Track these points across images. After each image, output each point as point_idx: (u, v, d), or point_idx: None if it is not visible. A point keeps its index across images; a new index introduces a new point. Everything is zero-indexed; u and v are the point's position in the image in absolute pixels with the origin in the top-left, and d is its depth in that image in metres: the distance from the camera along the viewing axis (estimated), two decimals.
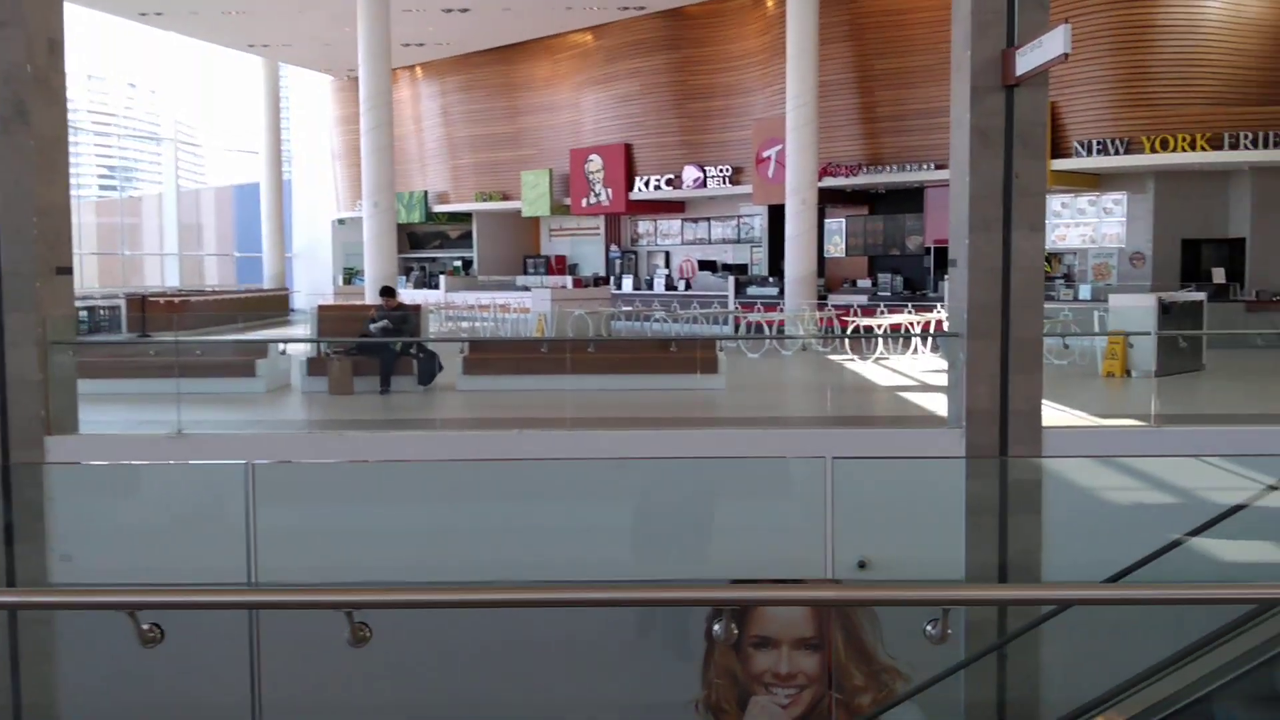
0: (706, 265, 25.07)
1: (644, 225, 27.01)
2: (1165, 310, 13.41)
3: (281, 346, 13.41)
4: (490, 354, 12.68)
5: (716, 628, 2.85)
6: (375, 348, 12.24)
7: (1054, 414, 8.59)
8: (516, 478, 7.93)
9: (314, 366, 12.21)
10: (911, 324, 15.87)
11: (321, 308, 15.63)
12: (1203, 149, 17.58)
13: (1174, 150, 17.70)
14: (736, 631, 2.88)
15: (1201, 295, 14.53)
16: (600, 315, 18.90)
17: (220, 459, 8.50)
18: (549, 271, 27.71)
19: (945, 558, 8.16)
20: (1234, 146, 17.45)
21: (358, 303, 18.84)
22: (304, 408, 11.46)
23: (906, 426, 8.91)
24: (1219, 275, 18.53)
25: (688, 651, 8.17)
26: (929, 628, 2.77)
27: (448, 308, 24.18)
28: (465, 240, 30.34)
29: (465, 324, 22.87)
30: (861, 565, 8.14)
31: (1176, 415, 8.75)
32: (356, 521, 7.17)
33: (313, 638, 4.99)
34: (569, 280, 25.29)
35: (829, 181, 21.12)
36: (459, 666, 6.77)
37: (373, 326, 12.61)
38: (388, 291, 13.57)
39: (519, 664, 7.33)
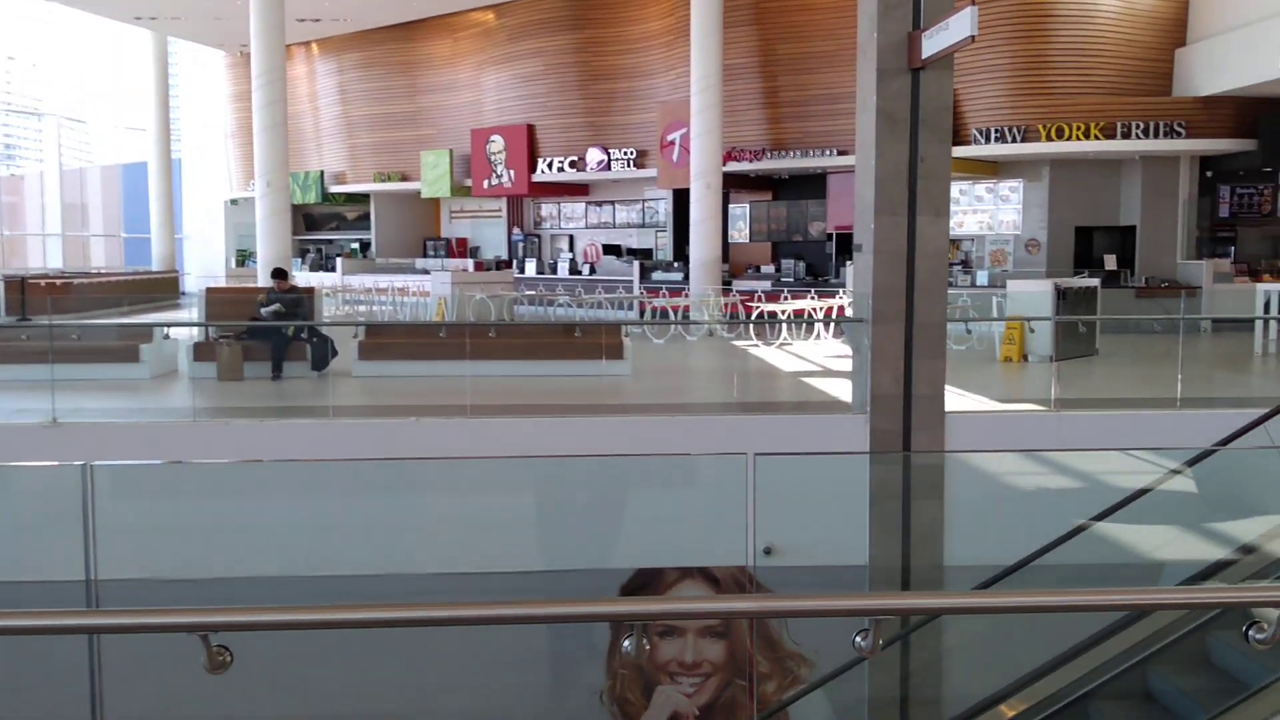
0: (611, 249, 24.88)
1: (547, 208, 26.71)
2: (1062, 296, 13.63)
3: (166, 331, 12.85)
4: (387, 338, 12.33)
5: (627, 644, 2.60)
6: (266, 332, 11.80)
7: (956, 399, 8.60)
8: (413, 468, 7.66)
9: (201, 351, 11.72)
10: (815, 310, 15.90)
11: (210, 290, 15.05)
12: (1096, 138, 17.93)
13: (1069, 139, 18.03)
14: (649, 648, 2.55)
15: (1095, 281, 14.82)
16: (502, 299, 18.60)
17: (97, 448, 8.06)
18: (449, 254, 27.24)
19: (850, 542, 8.12)
20: (1126, 136, 17.84)
21: (250, 285, 18.22)
22: (191, 395, 10.98)
23: (812, 412, 8.85)
24: (1110, 262, 18.96)
25: (591, 642, 8.00)
26: (859, 639, 2.59)
27: (345, 291, 23.60)
28: (363, 222, 29.66)
29: (363, 307, 22.34)
30: (768, 552, 8.06)
31: (1075, 399, 8.83)
32: (228, 519, 6.82)
33: (166, 660, 4.64)
34: (470, 263, 24.88)
35: (733, 166, 21.08)
36: (342, 673, 6.48)
37: (264, 310, 12.16)
38: (280, 273, 13.10)
39: (409, 661, 7.09)
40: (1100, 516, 6.53)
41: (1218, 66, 17.42)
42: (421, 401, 9.68)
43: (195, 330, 12.46)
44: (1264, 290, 15.18)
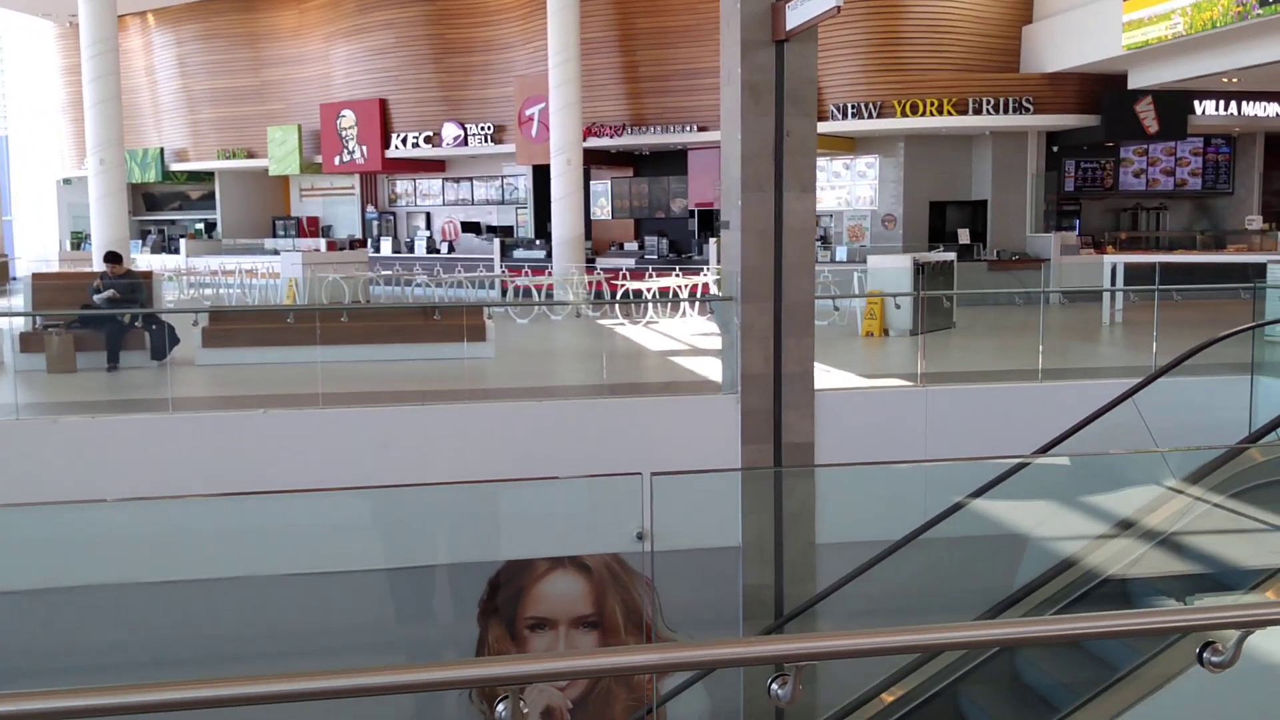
0: (470, 227, 24.34)
1: (402, 185, 25.96)
2: (920, 271, 13.78)
3: None
4: (233, 324, 11.67)
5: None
6: (100, 320, 11.03)
7: (823, 375, 8.53)
8: (265, 465, 7.20)
9: (29, 342, 10.89)
10: (680, 287, 15.77)
11: (37, 276, 14.06)
12: (949, 114, 18.23)
13: (923, 115, 18.29)
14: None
15: (951, 255, 15.06)
16: (357, 280, 17.95)
17: None
18: (300, 234, 26.24)
19: (722, 518, 7.98)
20: (977, 112, 18.18)
21: (85, 269, 17.14)
22: (17, 389, 10.18)
23: (682, 393, 8.68)
24: (964, 236, 19.37)
25: (459, 639, 7.69)
26: (775, 687, 2.27)
27: (189, 274, 22.49)
28: (208, 201, 28.37)
29: (209, 291, 21.33)
30: (639, 537, 7.86)
31: (938, 374, 8.86)
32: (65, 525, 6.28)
33: None
34: (322, 243, 24.00)
35: (593, 142, 20.78)
36: None
37: (97, 297, 11.36)
38: (113, 257, 12.28)
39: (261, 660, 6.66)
40: (978, 493, 6.51)
41: (1062, 44, 17.90)
42: (272, 391, 9.16)
43: (21, 320, 11.57)
44: (1110, 262, 15.67)
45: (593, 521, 7.78)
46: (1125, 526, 5.73)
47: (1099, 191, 20.82)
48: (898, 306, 12.76)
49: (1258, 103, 18.87)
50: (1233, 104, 18.72)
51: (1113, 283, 15.31)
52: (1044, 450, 6.40)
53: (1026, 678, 5.70)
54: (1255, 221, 19.77)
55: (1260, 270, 14.75)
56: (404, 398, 8.27)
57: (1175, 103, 18.40)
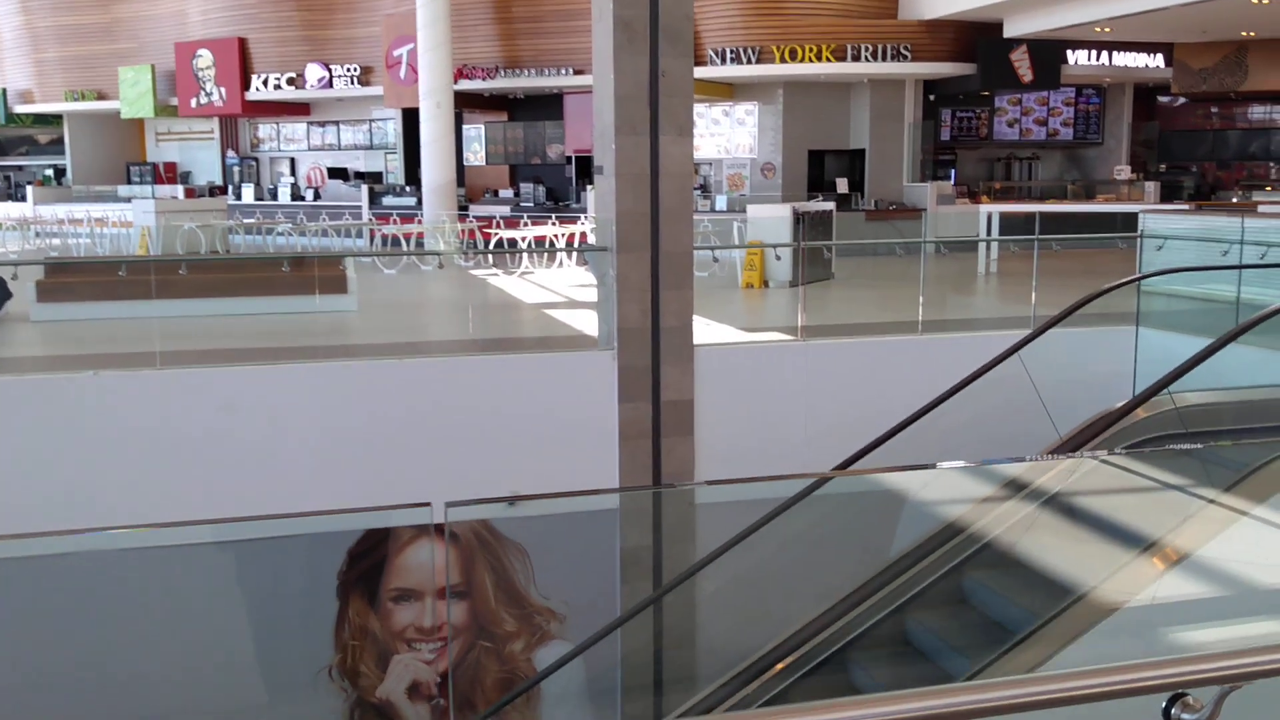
0: (337, 173, 23.37)
1: (265, 129, 24.75)
2: (799, 221, 13.56)
3: None
4: (73, 276, 10.78)
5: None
6: None
7: (702, 329, 8.20)
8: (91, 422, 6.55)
9: None
10: (557, 236, 15.28)
11: None
12: (828, 60, 18.01)
13: (802, 61, 18.03)
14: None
15: (830, 205, 14.89)
16: (215, 229, 16.99)
17: None
18: (157, 180, 24.83)
19: (600, 483, 7.63)
20: (855, 58, 18.01)
21: None
22: None
23: (557, 349, 8.26)
24: (842, 186, 19.27)
25: (315, 613, 7.18)
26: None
27: (37, 222, 21.07)
28: (58, 146, 26.65)
29: (56, 241, 20.00)
30: (511, 503, 7.46)
31: (819, 326, 8.62)
32: None
33: None
34: (180, 190, 22.75)
35: (465, 85, 20.02)
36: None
37: None
38: None
39: (103, 651, 6.09)
40: (856, 458, 6.27)
41: None
42: (111, 350, 8.43)
43: None
44: (985, 211, 15.70)
45: (461, 486, 7.33)
46: (1013, 487, 5.55)
47: (974, 141, 20.94)
48: (778, 258, 12.51)
49: (1128, 53, 19.12)
50: (1104, 54, 18.92)
51: (988, 232, 15.36)
52: (931, 406, 6.17)
53: (916, 640, 5.50)
54: (1124, 172, 20.13)
55: (1130, 220, 14.92)
56: (253, 356, 7.67)
57: (1049, 52, 18.52)
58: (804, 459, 7.86)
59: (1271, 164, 21.26)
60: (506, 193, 21.31)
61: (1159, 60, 19.44)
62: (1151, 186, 19.30)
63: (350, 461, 7.13)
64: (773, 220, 13.71)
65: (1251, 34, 18.30)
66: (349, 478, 7.16)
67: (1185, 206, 16.45)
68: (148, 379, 6.86)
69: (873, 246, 16.03)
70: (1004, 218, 15.62)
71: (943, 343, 8.30)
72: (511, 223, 17.16)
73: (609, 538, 7.72)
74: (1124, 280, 6.81)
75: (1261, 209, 12.92)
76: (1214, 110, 21.43)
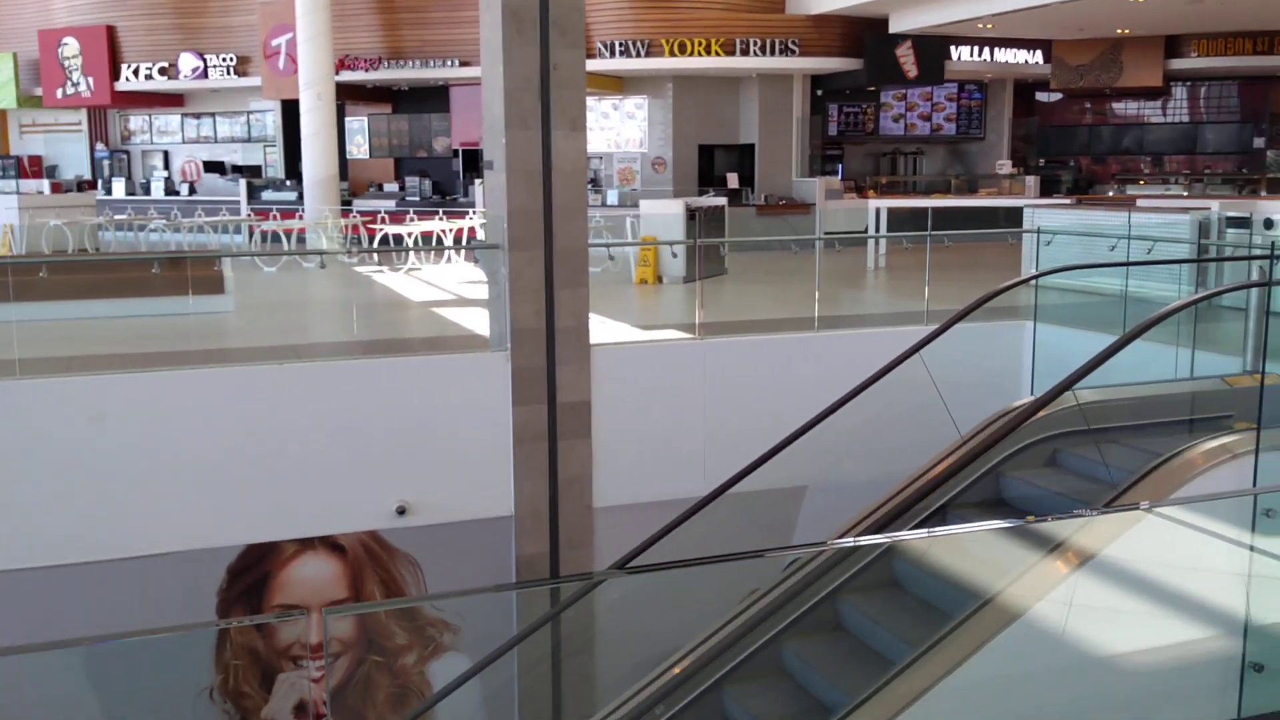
0: (213, 167, 22.50)
1: (136, 121, 23.73)
2: (692, 216, 13.45)
3: None
4: None
5: None
6: None
7: (597, 327, 8.00)
8: None
9: None
10: (444, 231, 14.91)
11: None
12: (717, 54, 17.96)
13: (691, 55, 17.95)
14: None
15: (723, 200, 14.82)
16: (83, 226, 16.18)
17: None
18: (21, 175, 23.54)
19: (493, 492, 7.39)
20: (745, 53, 18.00)
21: None
22: None
23: (448, 350, 7.96)
24: (733, 180, 19.25)
25: (194, 634, 6.79)
26: None
27: None
28: None
29: None
30: (401, 512, 7.18)
31: (715, 323, 8.49)
32: None
33: None
34: (46, 185, 21.63)
35: (347, 75, 19.46)
36: None
37: None
38: None
39: None
40: (757, 465, 6.14)
41: None
42: None
43: None
44: (874, 206, 15.82)
45: (347, 497, 7.02)
46: (914, 488, 5.48)
47: (861, 136, 21.14)
48: (675, 255, 12.37)
49: (1009, 49, 19.50)
50: (986, 50, 19.26)
51: (877, 227, 15.48)
52: (834, 409, 6.08)
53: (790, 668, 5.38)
54: (1005, 166, 20.53)
55: (1014, 214, 15.19)
56: (123, 362, 7.21)
57: (933, 48, 18.77)
58: (704, 458, 7.73)
59: (1145, 158, 21.93)
60: (392, 187, 20.80)
61: (1038, 57, 19.88)
62: (1032, 180, 19.72)
63: (228, 474, 6.75)
64: (666, 215, 13.56)
65: (1126, 31, 18.83)
66: (228, 492, 6.78)
67: (1067, 201, 16.85)
68: (7, 389, 6.39)
69: (764, 242, 16.02)
70: (892, 212, 15.75)
71: (840, 339, 8.24)
72: (397, 218, 16.70)
73: (503, 546, 7.49)
74: (1027, 277, 6.83)
75: (1141, 203, 13.25)
76: (1088, 106, 22.01)
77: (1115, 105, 21.87)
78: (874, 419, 6.52)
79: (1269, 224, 9.27)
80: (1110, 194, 20.23)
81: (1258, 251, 8.57)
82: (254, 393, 6.93)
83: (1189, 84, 21.20)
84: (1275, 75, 20.32)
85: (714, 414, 7.76)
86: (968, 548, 5.20)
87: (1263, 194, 18.92)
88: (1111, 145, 22.19)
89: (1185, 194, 19.02)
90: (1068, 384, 4.33)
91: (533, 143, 7.29)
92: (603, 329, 8.44)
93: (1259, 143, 21.10)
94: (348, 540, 7.07)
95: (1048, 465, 5.51)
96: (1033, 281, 6.85)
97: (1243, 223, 10.09)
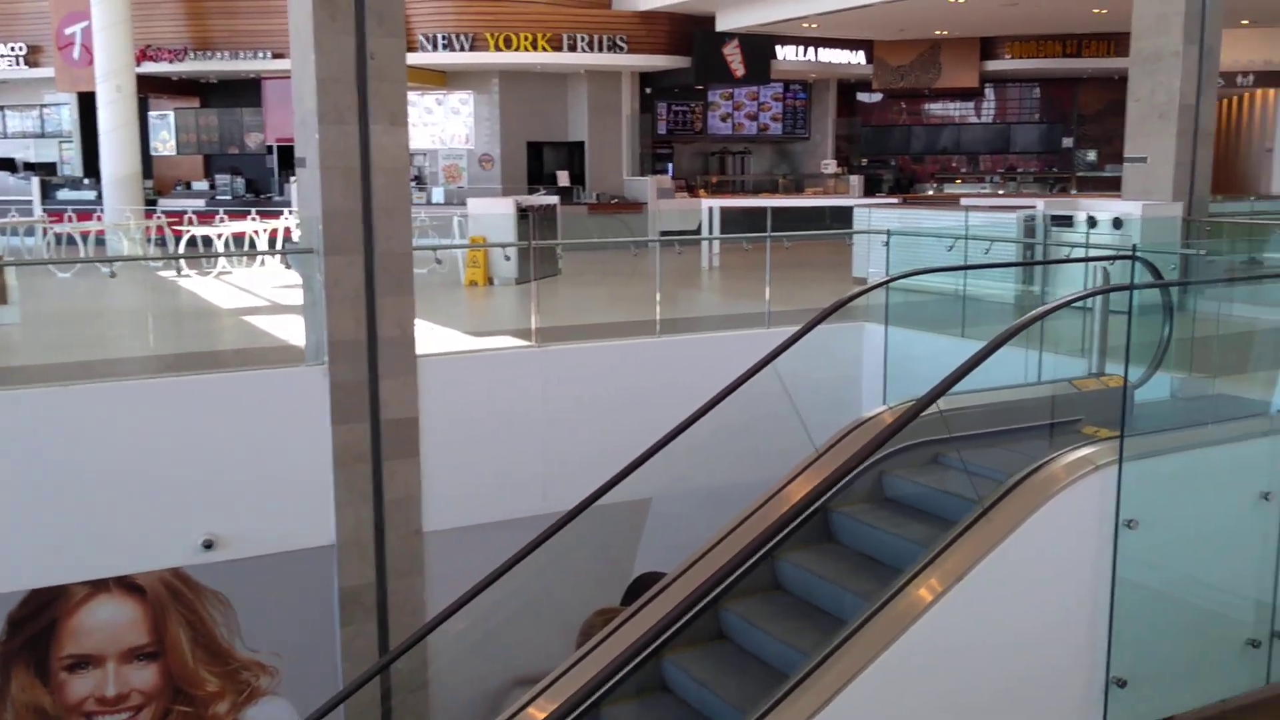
0: (4, 164, 20.78)
1: None
2: (523, 215, 12.99)
3: None
4: None
5: None
6: None
7: (425, 334, 7.49)
8: None
9: None
10: (258, 233, 14.02)
11: None
12: (544, 49, 17.54)
13: (517, 49, 17.48)
14: None
15: (555, 199, 14.40)
16: None
17: None
18: None
19: (312, 520, 6.79)
20: (572, 49, 17.64)
21: None
22: None
23: (261, 364, 7.29)
24: (563, 178, 18.86)
25: None
26: None
27: None
28: None
29: None
30: (208, 546, 6.50)
31: (552, 328, 8.06)
32: None
33: None
34: None
35: (150, 67, 18.20)
36: None
37: None
38: None
39: None
40: (610, 485, 5.76)
41: None
42: None
43: None
44: (708, 205, 15.67)
45: (146, 532, 6.30)
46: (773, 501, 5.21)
47: (690, 135, 21.05)
48: (508, 259, 11.87)
49: (832, 50, 19.72)
50: (811, 50, 19.42)
51: (711, 226, 15.33)
52: (691, 420, 5.74)
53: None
54: (830, 165, 20.76)
55: (842, 213, 15.28)
56: None
57: (760, 47, 18.81)
58: (543, 475, 7.31)
59: (961, 157, 22.56)
60: (201, 185, 19.60)
61: (860, 57, 20.19)
62: (856, 180, 20.00)
63: (7, 511, 5.97)
64: (496, 215, 13.06)
65: (945, 33, 19.27)
66: (6, 531, 6.00)
67: (894, 200, 17.08)
68: None
69: (599, 241, 15.68)
70: (725, 212, 15.64)
71: (683, 344, 7.94)
72: (206, 218, 15.64)
73: (325, 577, 6.90)
74: (887, 279, 6.63)
75: (964, 202, 13.45)
76: (904, 106, 22.51)
77: (933, 106, 22.43)
78: (720, 427, 6.21)
79: (1117, 223, 9.42)
80: (930, 192, 20.71)
81: (1101, 250, 8.68)
82: (37, 418, 6.15)
83: (1003, 85, 21.89)
84: (1082, 77, 21.18)
85: (553, 426, 7.35)
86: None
87: (1073, 191, 19.67)
88: (929, 145, 22.75)
89: (1002, 192, 19.61)
90: (944, 388, 4.10)
91: (349, 138, 6.72)
92: (430, 337, 7.92)
93: (1068, 142, 21.96)
94: (147, 580, 6.35)
95: (931, 464, 5.30)
96: (887, 284, 6.66)
97: (1066, 220, 10.28)
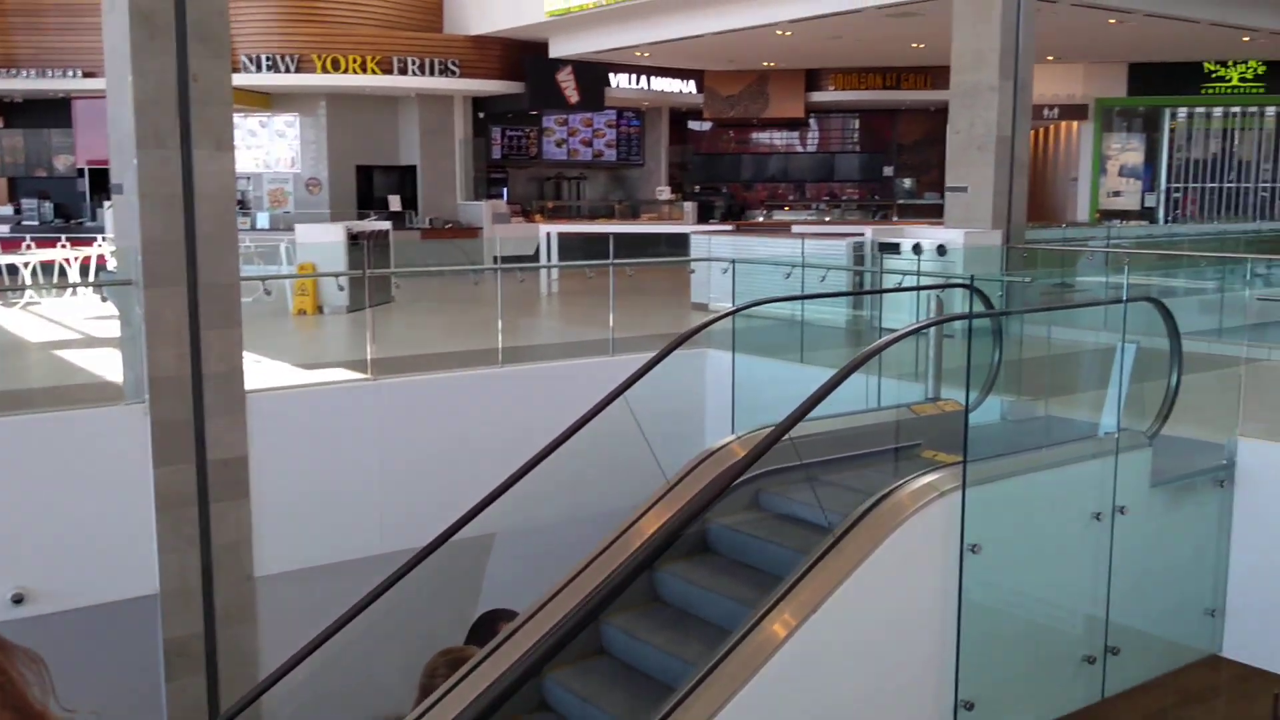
0: None
1: None
2: (354, 241, 12.64)
3: None
4: None
5: None
6: None
7: (253, 368, 7.15)
8: None
9: None
10: (68, 260, 13.23)
11: None
12: (374, 72, 17.19)
13: (346, 72, 17.06)
14: None
15: (387, 224, 14.08)
16: None
17: None
18: None
19: (133, 569, 6.37)
20: (403, 72, 17.33)
21: None
22: None
23: (73, 404, 6.81)
24: (395, 203, 18.49)
25: None
26: None
27: None
28: None
29: None
30: (18, 600, 6.03)
31: (388, 359, 7.82)
32: None
33: None
34: None
35: None
36: None
37: None
38: None
39: None
40: (454, 530, 5.59)
41: (486, 7, 17.56)
42: None
43: None
44: (545, 230, 15.59)
45: None
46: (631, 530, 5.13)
47: (524, 160, 20.95)
48: (341, 288, 11.49)
49: (665, 78, 19.96)
50: (644, 79, 19.61)
51: (549, 252, 15.25)
52: (541, 456, 5.62)
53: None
54: (665, 192, 20.97)
55: (678, 239, 15.43)
56: None
57: (593, 74, 18.89)
58: (381, 513, 7.06)
59: (789, 184, 23.14)
60: (5, 209, 18.42)
61: (691, 86, 20.49)
62: (690, 206, 20.21)
63: None
64: (325, 241, 12.66)
65: (772, 64, 19.74)
66: None
67: (728, 227, 17.35)
68: None
69: (425, 266, 15.40)
70: (562, 237, 15.59)
71: (526, 373, 7.81)
72: (11, 245, 14.69)
73: (149, 628, 6.49)
74: (741, 306, 6.65)
75: (795, 229, 13.76)
76: (733, 135, 22.96)
77: (761, 135, 22.95)
78: (567, 458, 6.11)
79: (941, 250, 9.75)
80: (760, 219, 21.14)
81: (930, 276, 8.95)
82: None
83: (827, 116, 22.57)
84: (900, 109, 22.02)
85: (391, 462, 7.11)
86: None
87: (895, 219, 20.41)
88: (758, 173, 23.25)
89: (828, 219, 20.16)
90: (797, 417, 4.10)
91: (171, 163, 6.37)
92: (259, 370, 7.57)
93: (888, 171, 22.77)
94: None
95: (749, 508, 5.31)
96: (734, 313, 6.68)
97: (894, 248, 10.61)
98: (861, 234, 11.17)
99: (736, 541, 5.10)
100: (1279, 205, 20.50)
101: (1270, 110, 20.27)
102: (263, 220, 17.81)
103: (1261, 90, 19.70)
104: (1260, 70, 19.50)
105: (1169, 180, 20.83)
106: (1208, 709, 8.27)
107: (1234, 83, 19.72)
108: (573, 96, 18.85)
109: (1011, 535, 4.75)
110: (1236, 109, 20.39)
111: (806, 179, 23.15)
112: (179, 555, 6.41)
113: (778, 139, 23.00)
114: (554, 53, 18.03)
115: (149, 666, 6.46)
